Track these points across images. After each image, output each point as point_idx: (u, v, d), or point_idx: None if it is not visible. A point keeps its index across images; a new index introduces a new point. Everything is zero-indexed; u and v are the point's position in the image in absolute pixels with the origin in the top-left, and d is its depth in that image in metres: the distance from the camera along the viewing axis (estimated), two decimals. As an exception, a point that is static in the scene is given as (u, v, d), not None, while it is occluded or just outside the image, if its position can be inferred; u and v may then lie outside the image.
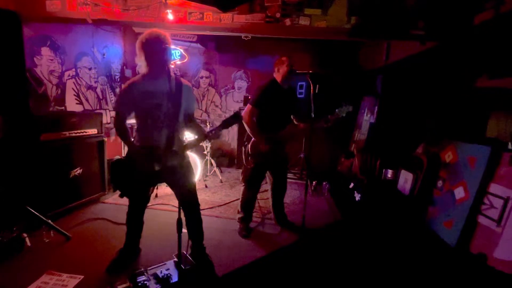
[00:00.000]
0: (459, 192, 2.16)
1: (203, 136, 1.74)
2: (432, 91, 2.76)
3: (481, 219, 1.96)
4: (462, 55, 2.41)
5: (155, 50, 1.63)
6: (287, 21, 2.56)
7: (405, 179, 2.76)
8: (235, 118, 1.64)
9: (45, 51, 3.03)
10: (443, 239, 2.20)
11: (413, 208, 2.56)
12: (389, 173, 2.96)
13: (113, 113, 4.16)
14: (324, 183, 3.76)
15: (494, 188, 1.93)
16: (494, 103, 2.21)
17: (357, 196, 3.08)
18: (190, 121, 1.86)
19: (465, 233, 2.03)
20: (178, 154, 1.70)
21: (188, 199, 1.85)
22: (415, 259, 2.11)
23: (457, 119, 2.48)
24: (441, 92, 2.64)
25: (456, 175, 2.24)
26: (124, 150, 3.64)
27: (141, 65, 1.73)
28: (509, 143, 1.96)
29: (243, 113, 2.28)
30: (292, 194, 3.56)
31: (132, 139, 1.80)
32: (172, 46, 1.82)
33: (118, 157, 1.79)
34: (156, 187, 3.16)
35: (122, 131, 1.76)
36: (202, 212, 1.97)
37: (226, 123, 1.64)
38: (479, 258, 1.87)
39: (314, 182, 3.79)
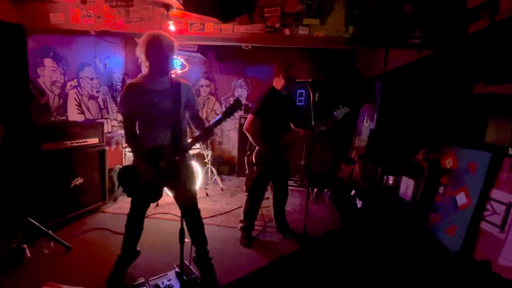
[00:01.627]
0: (461, 198, 2.16)
1: (206, 130, 1.71)
2: (431, 98, 2.78)
3: (484, 225, 1.95)
4: (459, 62, 2.44)
5: (159, 52, 1.64)
6: (287, 31, 2.61)
7: (407, 186, 2.76)
8: (236, 105, 1.63)
9: (48, 62, 3.07)
10: (446, 246, 2.18)
11: (415, 214, 2.54)
12: (390, 179, 2.95)
13: (114, 122, 4.19)
14: (325, 190, 3.75)
15: (496, 193, 1.92)
16: (493, 108, 2.23)
17: (359, 203, 3.07)
18: (198, 119, 1.87)
19: (468, 239, 2.02)
20: (182, 156, 1.70)
21: (189, 203, 1.85)
22: (419, 266, 2.09)
23: (456, 125, 2.50)
24: (440, 99, 2.67)
25: (457, 181, 2.24)
26: (125, 159, 3.64)
27: (141, 63, 1.71)
28: (509, 148, 1.97)
29: (245, 123, 2.30)
30: (293, 202, 3.55)
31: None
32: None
33: (119, 166, 1.79)
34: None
35: (130, 136, 1.74)
36: (203, 220, 1.96)
37: (228, 113, 1.62)
38: (484, 265, 1.85)
39: (315, 189, 3.78)
